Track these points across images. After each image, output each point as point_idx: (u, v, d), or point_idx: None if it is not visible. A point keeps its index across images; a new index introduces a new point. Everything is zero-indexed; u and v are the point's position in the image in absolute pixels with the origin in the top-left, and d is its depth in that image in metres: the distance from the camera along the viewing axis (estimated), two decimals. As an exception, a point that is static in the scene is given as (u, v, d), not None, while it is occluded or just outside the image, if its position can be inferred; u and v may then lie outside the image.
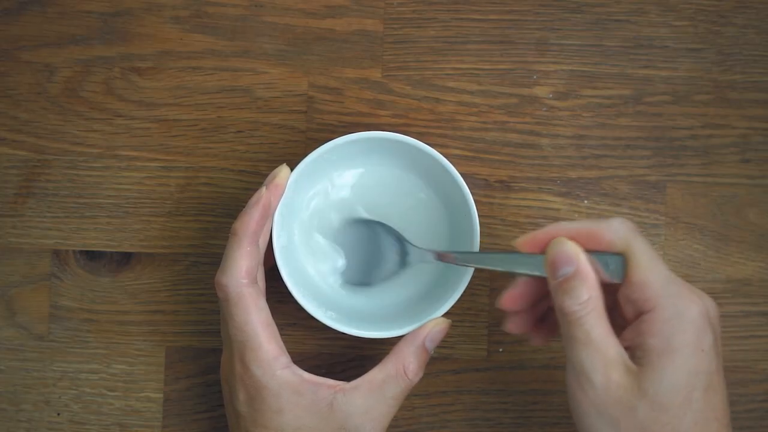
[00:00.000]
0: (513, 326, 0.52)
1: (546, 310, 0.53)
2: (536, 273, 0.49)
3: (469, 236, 0.54)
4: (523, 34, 0.59)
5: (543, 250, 0.49)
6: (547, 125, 0.59)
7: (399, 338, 0.53)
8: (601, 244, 0.48)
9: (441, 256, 0.53)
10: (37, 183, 0.59)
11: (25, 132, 0.59)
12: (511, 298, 0.51)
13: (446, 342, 0.59)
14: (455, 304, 0.53)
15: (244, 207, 0.52)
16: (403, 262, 0.56)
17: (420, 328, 0.53)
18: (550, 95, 0.59)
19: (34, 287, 0.59)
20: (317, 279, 0.57)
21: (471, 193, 0.53)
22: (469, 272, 0.53)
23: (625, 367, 0.46)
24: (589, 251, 0.48)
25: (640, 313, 0.47)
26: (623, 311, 0.48)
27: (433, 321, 0.53)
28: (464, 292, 0.53)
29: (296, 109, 0.59)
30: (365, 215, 0.57)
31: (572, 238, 0.48)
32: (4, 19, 0.59)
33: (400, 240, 0.56)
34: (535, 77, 0.59)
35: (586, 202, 0.59)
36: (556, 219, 0.59)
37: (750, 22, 0.59)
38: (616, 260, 0.48)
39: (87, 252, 0.59)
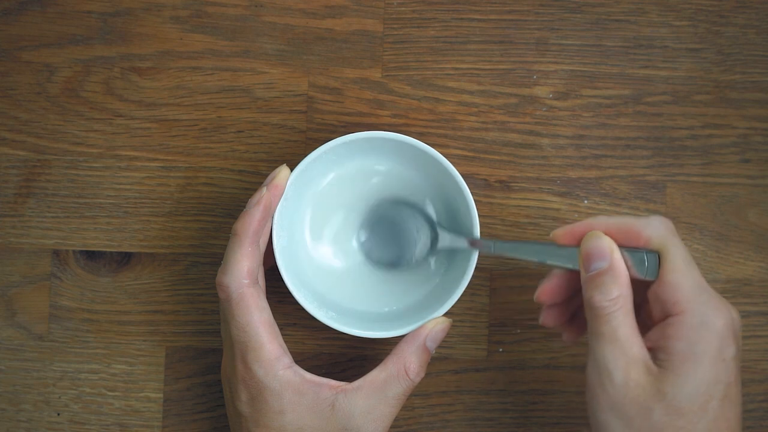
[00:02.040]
0: (547, 319, 0.52)
1: (580, 306, 0.53)
2: (570, 266, 0.49)
3: (469, 236, 0.53)
4: (523, 34, 0.59)
5: (579, 243, 0.49)
6: (547, 125, 0.59)
7: (399, 338, 0.53)
8: (638, 241, 0.48)
9: (473, 243, 0.53)
10: (37, 183, 0.59)
11: (25, 132, 0.59)
12: (546, 291, 0.51)
13: (446, 342, 0.59)
14: (455, 304, 0.53)
15: (244, 207, 0.52)
16: (433, 246, 0.55)
17: (421, 327, 0.53)
18: (550, 95, 0.59)
19: (34, 287, 0.59)
20: (318, 279, 0.57)
21: (471, 193, 0.53)
22: (469, 272, 0.53)
23: (646, 367, 0.46)
24: (623, 248, 0.48)
25: (667, 315, 0.47)
26: (651, 310, 0.48)
27: (434, 320, 0.53)
28: (464, 292, 0.53)
29: (296, 109, 0.59)
30: (393, 196, 0.57)
31: (609, 233, 0.49)
32: (4, 19, 0.59)
33: (431, 223, 0.56)
34: (535, 77, 0.59)
35: (586, 202, 0.59)
36: (556, 219, 0.59)
37: (750, 22, 0.59)
38: (651, 257, 0.48)
39: (87, 252, 0.59)
